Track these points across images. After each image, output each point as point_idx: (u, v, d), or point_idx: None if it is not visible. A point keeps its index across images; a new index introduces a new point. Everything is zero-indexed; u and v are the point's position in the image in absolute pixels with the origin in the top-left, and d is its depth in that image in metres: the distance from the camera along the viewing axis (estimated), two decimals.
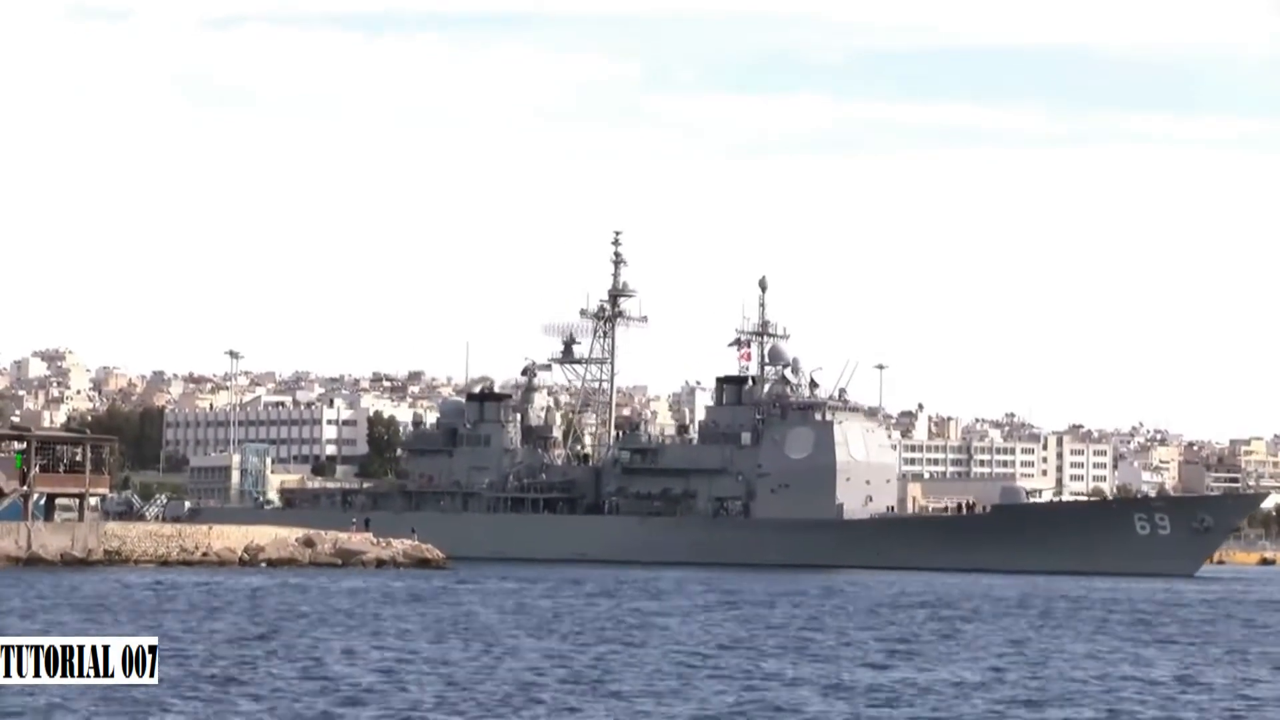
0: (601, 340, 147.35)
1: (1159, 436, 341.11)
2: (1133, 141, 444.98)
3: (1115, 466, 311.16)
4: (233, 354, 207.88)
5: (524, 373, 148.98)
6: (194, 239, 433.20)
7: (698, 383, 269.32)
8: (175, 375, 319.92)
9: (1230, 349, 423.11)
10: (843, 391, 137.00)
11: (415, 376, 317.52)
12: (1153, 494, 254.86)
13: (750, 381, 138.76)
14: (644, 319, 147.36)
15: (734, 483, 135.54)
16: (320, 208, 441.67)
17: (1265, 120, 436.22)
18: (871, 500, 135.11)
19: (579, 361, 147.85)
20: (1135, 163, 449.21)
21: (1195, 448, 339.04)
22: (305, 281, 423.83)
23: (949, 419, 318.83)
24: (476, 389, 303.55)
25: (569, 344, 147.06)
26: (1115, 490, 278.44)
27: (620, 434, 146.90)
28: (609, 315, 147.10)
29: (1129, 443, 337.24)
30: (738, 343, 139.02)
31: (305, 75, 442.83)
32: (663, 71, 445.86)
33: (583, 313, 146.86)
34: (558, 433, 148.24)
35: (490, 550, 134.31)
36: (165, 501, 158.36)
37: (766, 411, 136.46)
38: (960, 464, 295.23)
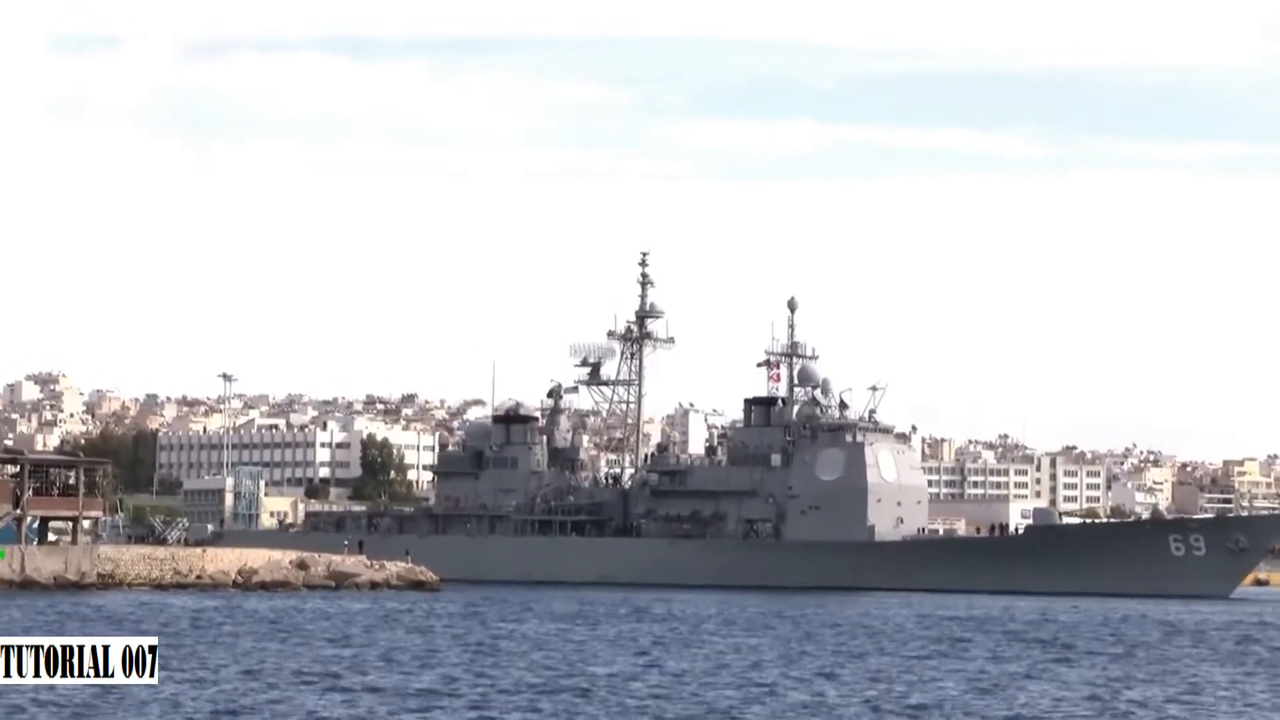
0: (629, 362, 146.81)
1: (1152, 457, 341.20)
2: (1123, 166, 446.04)
3: (1109, 487, 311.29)
4: (226, 377, 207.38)
5: (550, 395, 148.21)
6: (187, 262, 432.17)
7: (691, 404, 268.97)
8: (169, 398, 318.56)
9: (1223, 370, 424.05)
10: (873, 413, 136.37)
11: (409, 399, 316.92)
12: (1146, 515, 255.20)
13: (779, 403, 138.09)
14: (671, 340, 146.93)
15: (764, 504, 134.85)
16: (314, 231, 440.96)
17: (1255, 144, 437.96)
18: (903, 522, 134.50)
19: (606, 383, 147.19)
20: (1127, 187, 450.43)
21: (1189, 469, 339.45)
22: (298, 304, 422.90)
23: (942, 440, 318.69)
24: (469, 412, 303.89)
25: (595, 366, 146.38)
26: (1108, 512, 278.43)
27: (649, 456, 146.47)
28: (636, 337, 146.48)
29: (1122, 464, 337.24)
30: (767, 363, 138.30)
31: (294, 98, 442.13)
32: (655, 97, 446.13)
33: (610, 334, 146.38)
34: (585, 455, 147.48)
35: (518, 574, 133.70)
36: (187, 525, 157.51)
37: (796, 433, 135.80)
38: (954, 485, 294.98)
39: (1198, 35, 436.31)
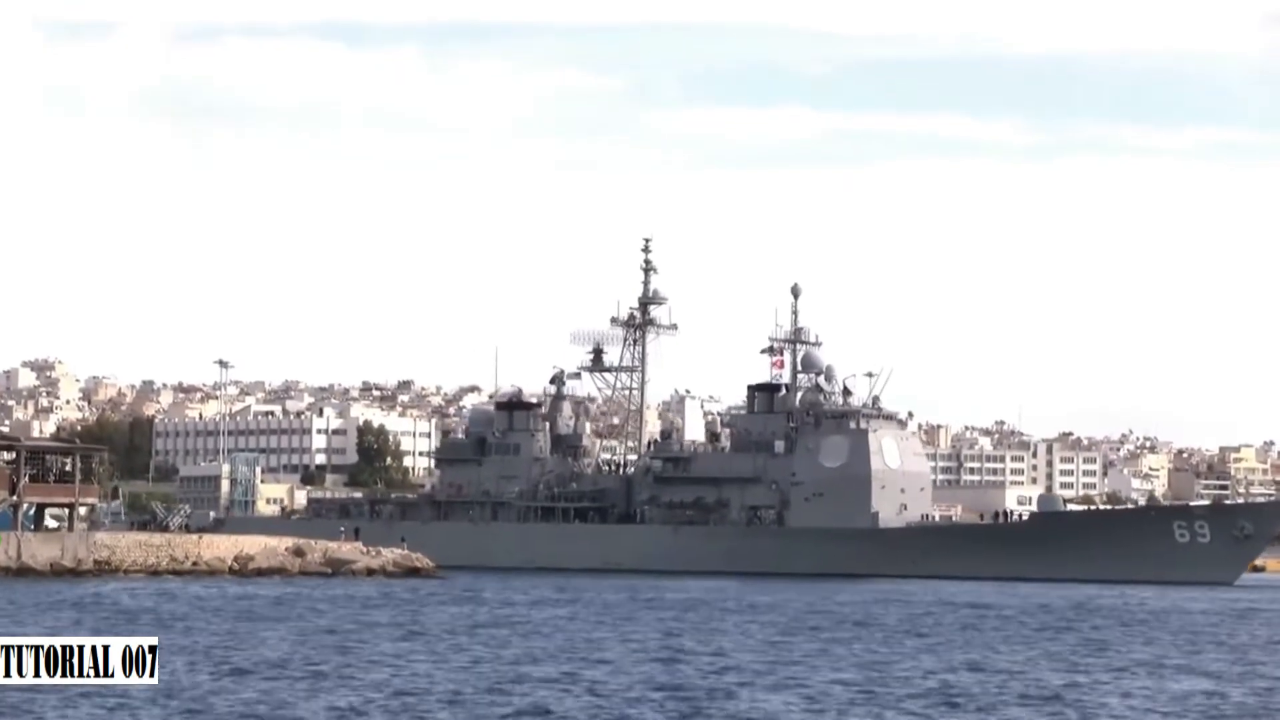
0: (631, 348, 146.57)
1: (1148, 444, 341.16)
2: (1120, 152, 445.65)
3: (1105, 474, 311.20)
4: (222, 363, 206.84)
5: (552, 381, 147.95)
6: (183, 249, 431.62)
7: (687, 391, 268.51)
8: (165, 385, 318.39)
9: (1219, 356, 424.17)
10: (876, 399, 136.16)
11: (405, 386, 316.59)
12: (1142, 501, 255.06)
13: (783, 389, 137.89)
14: (674, 326, 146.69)
15: (767, 491, 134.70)
16: (310, 217, 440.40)
17: (1252, 131, 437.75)
18: (906, 509, 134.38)
19: (609, 370, 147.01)
20: (1124, 173, 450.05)
21: (1185, 455, 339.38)
22: (295, 291, 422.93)
23: (939, 427, 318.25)
24: (465, 398, 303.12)
25: (598, 352, 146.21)
26: (1105, 498, 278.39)
27: (652, 443, 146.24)
28: (639, 323, 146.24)
29: (1119, 450, 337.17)
30: (770, 350, 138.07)
31: (288, 85, 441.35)
32: (647, 84, 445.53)
33: (613, 320, 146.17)
34: (587, 442, 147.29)
35: (521, 560, 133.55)
36: (189, 512, 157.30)
37: (800, 419, 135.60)
38: (950, 471, 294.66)
39: (1200, 24, 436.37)
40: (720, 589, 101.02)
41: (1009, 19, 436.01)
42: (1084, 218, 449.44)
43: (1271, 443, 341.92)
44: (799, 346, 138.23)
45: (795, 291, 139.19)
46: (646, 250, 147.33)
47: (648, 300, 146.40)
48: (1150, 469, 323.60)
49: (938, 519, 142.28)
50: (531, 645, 58.14)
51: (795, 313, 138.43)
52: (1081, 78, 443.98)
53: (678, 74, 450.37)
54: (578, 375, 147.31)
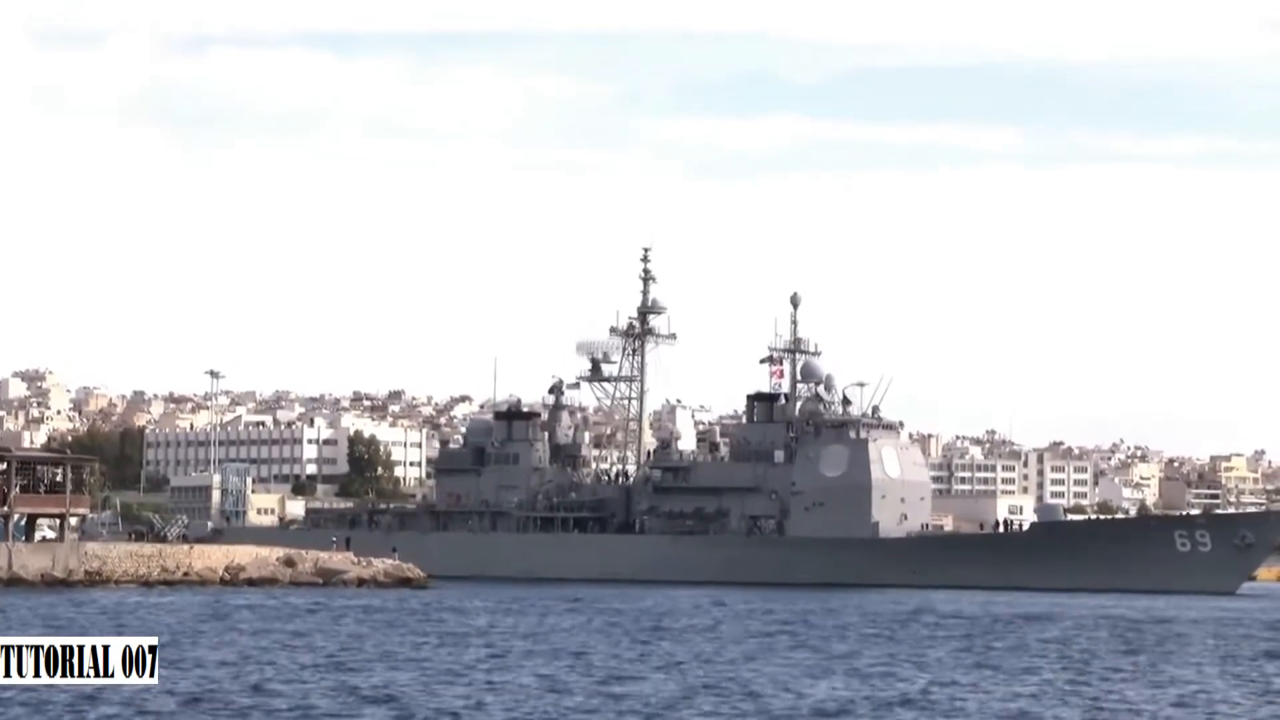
0: (631, 358, 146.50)
1: (1139, 453, 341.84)
2: (1113, 160, 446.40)
3: (1096, 483, 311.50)
4: (213, 374, 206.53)
5: (551, 391, 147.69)
6: (174, 259, 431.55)
7: (678, 400, 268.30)
8: (156, 395, 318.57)
9: (1211, 365, 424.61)
10: (876, 409, 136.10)
11: (396, 396, 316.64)
12: (1133, 510, 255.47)
13: (783, 399, 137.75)
14: (673, 336, 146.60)
15: (767, 501, 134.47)
16: (301, 227, 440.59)
17: (1244, 139, 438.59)
18: (906, 518, 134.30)
19: (608, 380, 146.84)
20: (1116, 181, 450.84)
21: (1176, 464, 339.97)
22: (285, 301, 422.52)
23: (929, 436, 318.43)
24: (456, 408, 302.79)
25: (597, 362, 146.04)
26: (1096, 507, 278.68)
27: (650, 453, 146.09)
28: (638, 333, 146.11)
29: (1109, 459, 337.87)
30: (770, 359, 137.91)
31: (280, 94, 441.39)
32: (640, 92, 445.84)
33: (612, 330, 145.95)
34: (587, 451, 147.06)
35: (520, 570, 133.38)
36: (187, 523, 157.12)
37: (799, 429, 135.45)
38: (941, 481, 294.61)
39: (1198, 30, 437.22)
40: (687, 597, 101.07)
41: (1005, 27, 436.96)
42: (1078, 226, 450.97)
43: (1262, 452, 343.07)
44: (798, 356, 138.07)
45: (795, 301, 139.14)
46: (645, 260, 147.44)
47: (647, 310, 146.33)
48: (1141, 478, 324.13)
49: (930, 528, 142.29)
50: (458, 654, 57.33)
51: (795, 322, 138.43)
52: (1078, 85, 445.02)
53: (671, 82, 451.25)
54: (576, 385, 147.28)
